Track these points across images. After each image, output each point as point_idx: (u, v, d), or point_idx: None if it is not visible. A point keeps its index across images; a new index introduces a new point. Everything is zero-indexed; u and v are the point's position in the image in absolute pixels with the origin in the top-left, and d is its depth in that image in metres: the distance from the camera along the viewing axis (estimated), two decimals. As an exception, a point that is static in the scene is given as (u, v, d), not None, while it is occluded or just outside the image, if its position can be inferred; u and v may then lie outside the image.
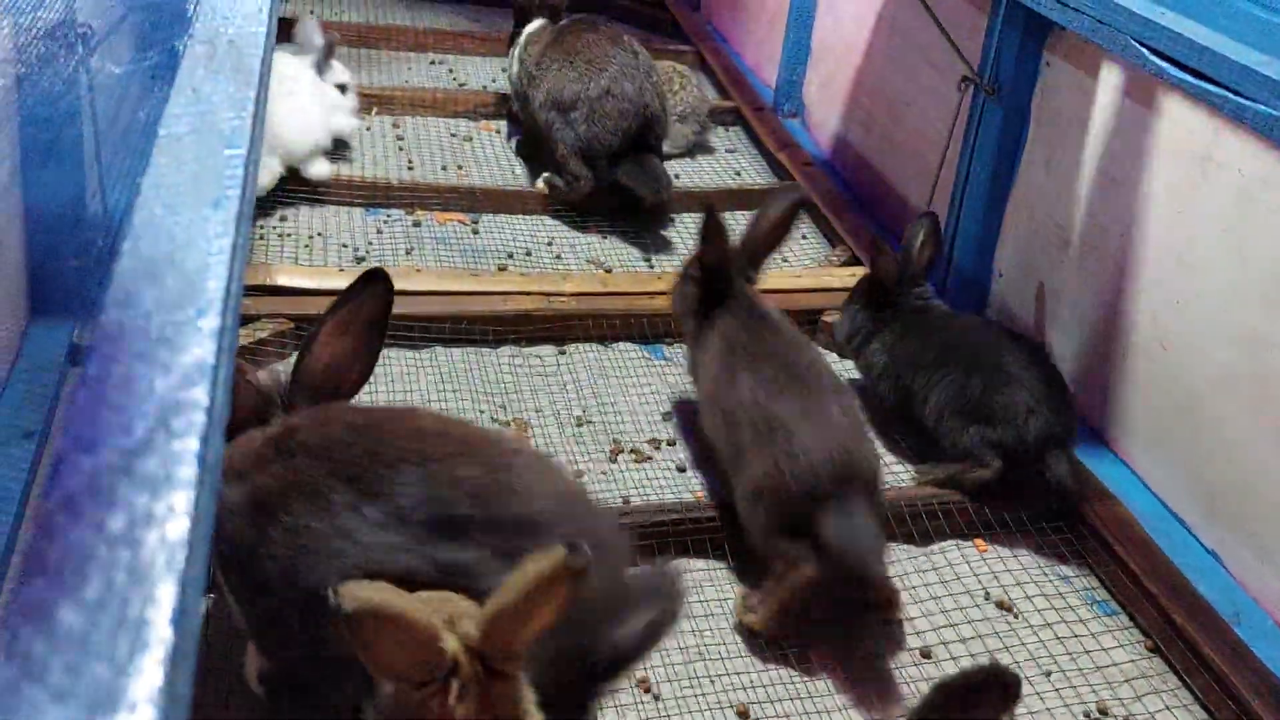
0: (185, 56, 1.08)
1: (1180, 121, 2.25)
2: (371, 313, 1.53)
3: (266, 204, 3.04)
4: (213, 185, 0.84)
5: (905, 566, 2.17)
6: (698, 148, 3.77)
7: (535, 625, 1.25)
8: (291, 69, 3.19)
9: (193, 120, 0.93)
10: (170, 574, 0.53)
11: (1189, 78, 1.54)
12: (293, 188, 3.10)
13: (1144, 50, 1.62)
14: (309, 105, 3.15)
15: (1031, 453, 2.22)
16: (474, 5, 4.69)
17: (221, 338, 0.71)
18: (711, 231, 2.25)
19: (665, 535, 2.11)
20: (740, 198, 3.47)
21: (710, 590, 2.06)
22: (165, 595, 0.52)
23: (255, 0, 1.25)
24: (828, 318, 2.83)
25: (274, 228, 2.98)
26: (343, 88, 3.35)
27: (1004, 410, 2.23)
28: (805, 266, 3.17)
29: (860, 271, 3.03)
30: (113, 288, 0.71)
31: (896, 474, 2.41)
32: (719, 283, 2.28)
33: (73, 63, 1.18)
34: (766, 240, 2.36)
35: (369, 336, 1.56)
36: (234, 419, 1.41)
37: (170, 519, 0.56)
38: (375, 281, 1.50)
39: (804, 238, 3.34)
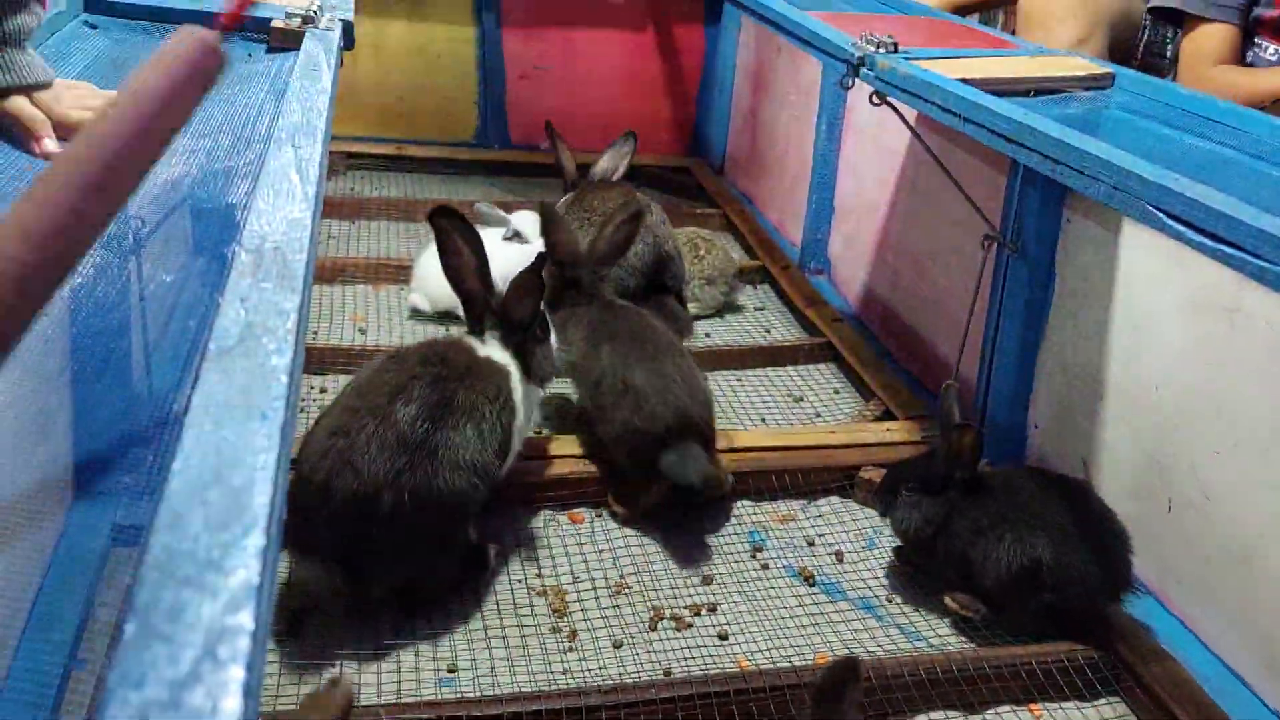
0: (233, 264, 1.13)
1: (1205, 275, 2.28)
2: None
3: (309, 369, 3.12)
4: (260, 397, 0.88)
5: (957, 735, 2.10)
6: (727, 307, 3.83)
7: None
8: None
9: (240, 331, 0.97)
10: (215, 815, 0.53)
11: (1208, 241, 1.57)
12: (332, 360, 3.18)
13: (1161, 215, 1.65)
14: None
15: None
16: (509, 176, 4.86)
17: (266, 554, 0.73)
18: (552, 229, 2.94)
19: (710, 708, 2.06)
20: (771, 354, 3.51)
21: (757, 766, 2.00)
22: (210, 839, 0.52)
23: (299, 204, 1.32)
24: (865, 473, 2.82)
25: (315, 400, 3.03)
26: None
27: (1072, 577, 2.24)
28: (839, 422, 3.17)
29: (895, 426, 3.04)
30: (162, 511, 0.73)
31: (944, 637, 2.36)
32: (572, 280, 2.91)
33: (126, 272, 1.24)
34: (610, 246, 2.93)
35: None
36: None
37: (215, 755, 0.56)
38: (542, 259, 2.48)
39: (836, 392, 3.36)
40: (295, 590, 2.17)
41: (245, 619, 0.65)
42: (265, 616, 0.69)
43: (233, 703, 0.59)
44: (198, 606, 0.65)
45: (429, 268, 3.44)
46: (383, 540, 2.14)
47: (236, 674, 0.61)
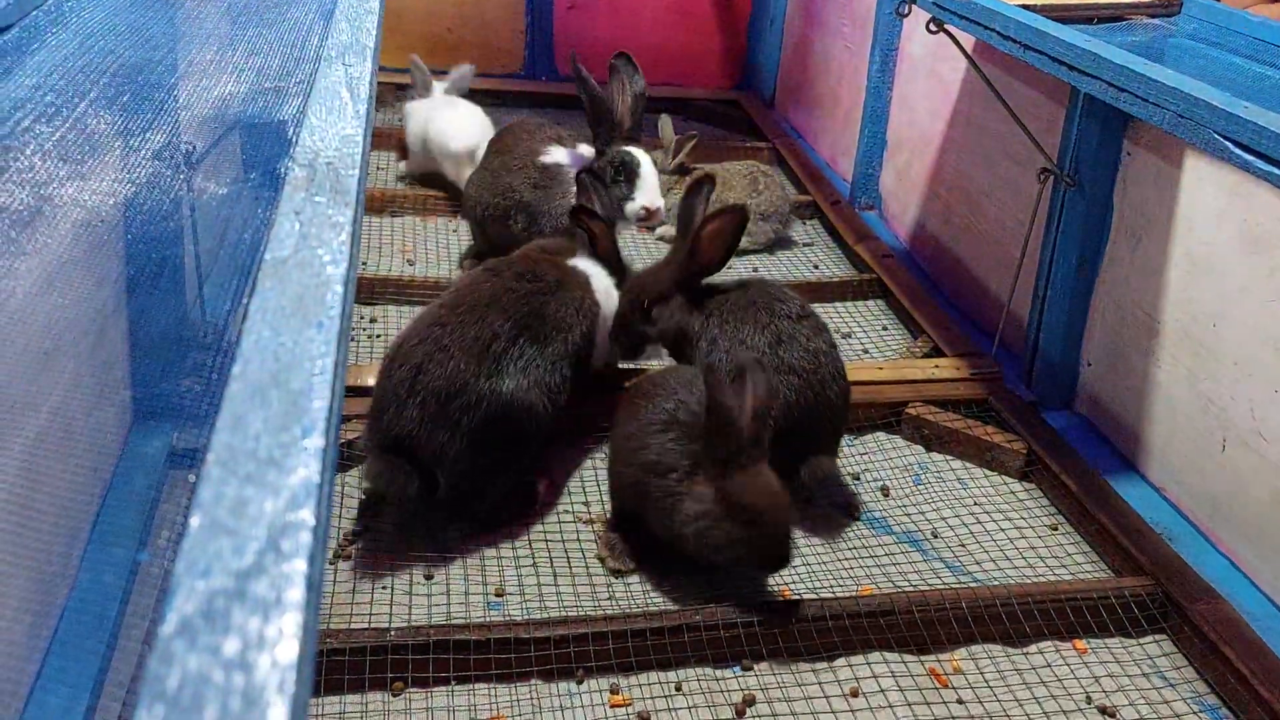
0: (286, 179, 1.14)
1: (1268, 209, 2.22)
2: None
3: (359, 300, 3.14)
4: (315, 307, 0.88)
5: (1002, 668, 2.10)
6: (777, 242, 3.80)
7: None
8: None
9: (295, 243, 0.98)
10: (281, 697, 0.54)
11: (1275, 170, 1.52)
12: (381, 290, 3.20)
13: (1228, 144, 1.61)
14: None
15: None
16: (556, 109, 4.80)
17: (325, 456, 0.73)
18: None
19: (754, 635, 2.08)
20: (819, 290, 3.48)
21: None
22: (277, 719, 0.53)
23: (351, 121, 1.31)
24: (912, 410, 2.80)
25: (364, 329, 3.06)
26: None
27: None
28: (887, 358, 3.15)
29: (943, 362, 3.00)
30: (223, 412, 0.73)
31: (988, 571, 2.36)
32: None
33: (179, 184, 1.24)
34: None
35: None
36: None
37: (280, 642, 0.57)
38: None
39: (884, 329, 3.33)
40: (348, 511, 2.21)
41: (306, 515, 0.66)
42: (325, 515, 0.70)
43: (296, 593, 0.60)
44: (260, 502, 0.66)
45: None
46: (458, 440, 2.21)
47: (299, 566, 0.62)
